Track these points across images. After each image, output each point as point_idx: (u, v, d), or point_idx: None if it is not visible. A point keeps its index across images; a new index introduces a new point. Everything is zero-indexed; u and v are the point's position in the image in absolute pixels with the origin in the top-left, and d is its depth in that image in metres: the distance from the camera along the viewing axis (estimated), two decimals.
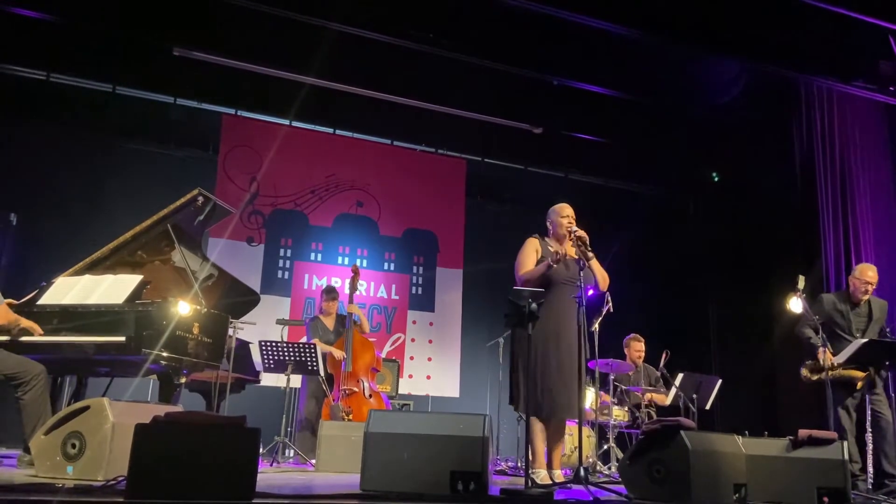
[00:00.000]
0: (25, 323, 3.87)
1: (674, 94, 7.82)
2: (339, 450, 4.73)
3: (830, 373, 4.92)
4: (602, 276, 4.25)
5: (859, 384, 4.91)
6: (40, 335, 3.86)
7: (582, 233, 4.06)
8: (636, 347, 6.69)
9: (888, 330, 5.10)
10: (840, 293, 5.39)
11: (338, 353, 5.81)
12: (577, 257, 4.03)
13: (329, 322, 6.25)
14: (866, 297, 5.18)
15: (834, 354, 4.93)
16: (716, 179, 9.25)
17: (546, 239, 4.32)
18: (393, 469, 3.14)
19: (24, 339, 3.87)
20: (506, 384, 6.41)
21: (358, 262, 6.41)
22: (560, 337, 4.01)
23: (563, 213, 4.29)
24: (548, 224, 4.37)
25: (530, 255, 4.19)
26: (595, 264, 4.18)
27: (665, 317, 8.38)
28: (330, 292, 6.36)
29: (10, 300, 3.97)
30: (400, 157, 9.01)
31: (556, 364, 3.96)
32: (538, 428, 4.00)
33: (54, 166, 7.29)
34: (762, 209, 7.86)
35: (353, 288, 6.06)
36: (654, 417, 5.89)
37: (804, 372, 5.20)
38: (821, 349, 4.94)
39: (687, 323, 8.85)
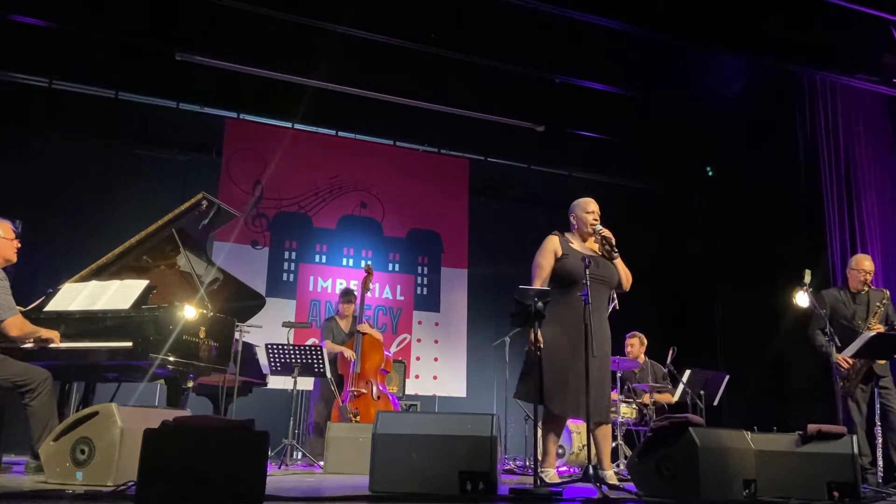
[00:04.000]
0: (46, 333, 3.87)
1: (676, 90, 7.80)
2: (347, 451, 4.74)
3: (858, 370, 4.91)
4: (626, 276, 4.15)
5: (881, 361, 4.90)
6: (66, 344, 3.88)
7: (607, 232, 4.03)
8: (629, 343, 6.65)
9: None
10: (840, 287, 5.42)
11: (348, 353, 5.82)
12: (600, 253, 4.04)
13: (345, 324, 6.27)
14: (866, 287, 5.18)
15: (842, 347, 4.90)
16: (710, 174, 9.24)
17: (567, 235, 4.17)
18: (401, 470, 3.14)
19: (28, 346, 3.88)
20: (513, 384, 6.44)
21: (370, 264, 6.41)
22: (592, 336, 3.94)
23: (589, 209, 4.14)
24: (571, 219, 4.21)
25: (547, 258, 4.04)
26: (619, 263, 4.12)
27: (671, 313, 8.37)
28: (347, 295, 6.38)
29: (17, 307, 3.98)
30: (403, 158, 9.01)
31: (590, 363, 3.89)
32: (552, 428, 3.95)
33: (58, 173, 7.31)
34: (767, 204, 7.85)
35: (366, 288, 6.07)
36: (665, 413, 5.88)
37: (842, 384, 5.12)
38: (833, 357, 4.90)
39: (693, 319, 8.83)
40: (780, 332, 7.09)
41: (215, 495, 2.44)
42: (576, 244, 4.12)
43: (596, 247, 4.12)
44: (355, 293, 6.45)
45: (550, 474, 3.89)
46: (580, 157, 9.09)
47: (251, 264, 7.99)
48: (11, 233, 3.99)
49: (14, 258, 4.02)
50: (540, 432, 3.75)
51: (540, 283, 4.03)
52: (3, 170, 6.90)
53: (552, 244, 4.08)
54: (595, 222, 4.10)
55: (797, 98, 7.20)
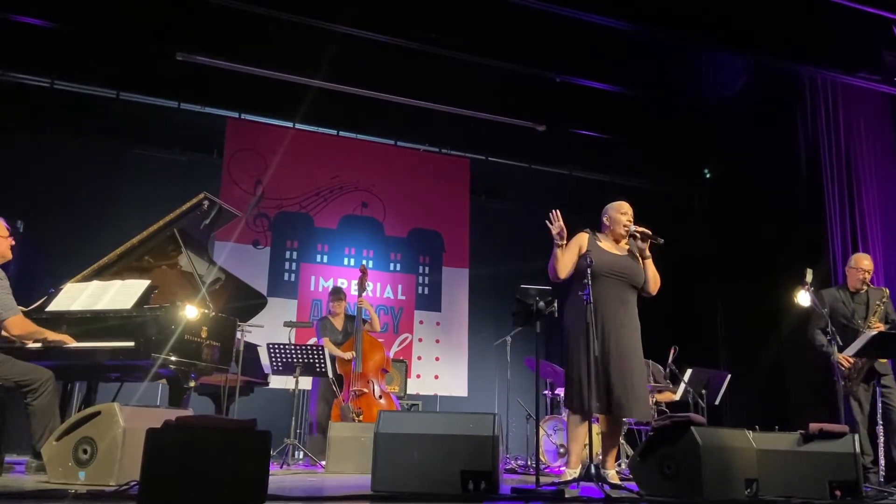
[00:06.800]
0: (53, 336, 3.87)
1: (677, 89, 7.80)
2: (348, 451, 4.74)
3: (860, 370, 4.90)
4: (654, 279, 4.14)
5: (882, 361, 4.90)
6: (74, 344, 3.89)
7: (644, 229, 4.06)
8: None
9: None
10: (839, 286, 5.42)
11: (347, 354, 5.82)
12: (629, 252, 4.09)
13: (338, 322, 6.26)
14: (864, 287, 5.19)
15: (843, 346, 4.90)
16: (707, 176, 9.26)
17: (598, 234, 4.18)
18: (403, 469, 3.15)
19: (32, 346, 3.88)
20: (514, 383, 6.47)
21: (364, 264, 6.42)
22: (610, 332, 3.91)
23: (622, 210, 4.17)
24: (604, 220, 4.23)
25: (570, 249, 4.04)
26: (650, 266, 4.12)
27: (672, 312, 8.36)
28: (336, 293, 6.37)
29: (19, 307, 3.98)
30: (404, 158, 9.01)
31: (618, 359, 3.87)
32: (582, 429, 3.90)
33: (60, 173, 7.32)
34: (768, 203, 7.84)
35: (362, 288, 6.07)
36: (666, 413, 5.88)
37: (843, 383, 5.10)
38: (833, 357, 4.89)
39: (694, 318, 8.83)
40: (782, 332, 7.09)
41: (217, 495, 2.44)
42: (604, 244, 4.12)
43: (627, 248, 4.15)
44: (344, 291, 6.47)
45: (568, 474, 3.86)
46: (581, 157, 9.09)
47: (252, 264, 7.99)
48: (5, 230, 3.99)
49: (9, 255, 4.01)
50: (544, 430, 3.74)
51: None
52: (5, 170, 6.91)
53: (579, 240, 4.09)
54: (629, 223, 4.13)
55: (798, 97, 7.20)
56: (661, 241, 4.08)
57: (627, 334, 3.97)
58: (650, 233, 4.08)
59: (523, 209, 9.21)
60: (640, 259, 4.12)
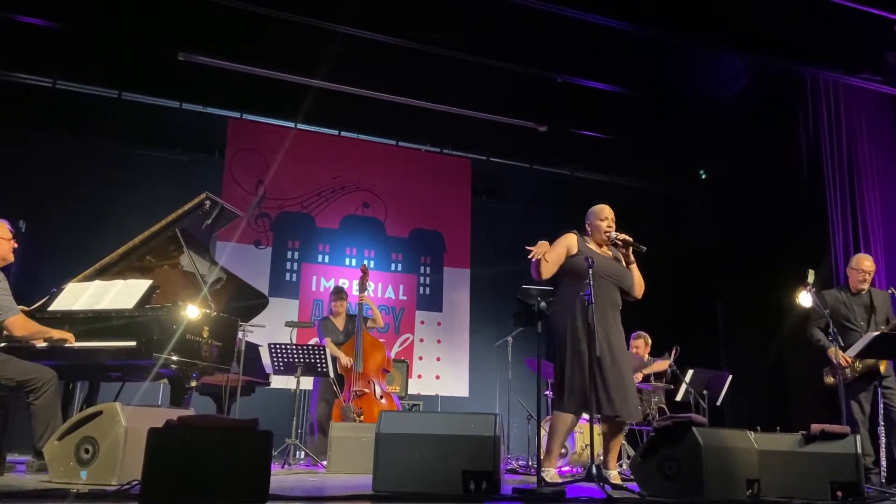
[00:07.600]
0: (57, 334, 3.87)
1: (678, 89, 7.79)
2: (350, 451, 4.74)
3: (855, 369, 4.90)
4: (639, 283, 4.16)
5: (882, 366, 4.88)
6: (76, 343, 3.89)
7: (625, 236, 4.04)
8: (634, 345, 6.61)
9: None
10: (840, 287, 5.41)
11: (344, 360, 5.81)
12: (614, 257, 4.11)
13: (339, 322, 6.26)
14: (865, 287, 5.18)
15: (845, 347, 4.90)
16: (703, 176, 9.27)
17: (585, 237, 4.18)
18: (405, 470, 3.15)
19: (41, 345, 3.88)
20: (515, 383, 6.47)
21: (365, 263, 6.42)
22: (603, 332, 3.91)
23: (602, 216, 4.15)
24: (587, 226, 4.23)
25: (555, 249, 4.02)
26: (635, 270, 4.14)
27: (673, 313, 8.36)
28: (338, 293, 6.38)
29: (21, 307, 3.99)
30: (405, 158, 9.01)
31: (611, 360, 3.88)
32: (564, 427, 3.93)
33: (62, 173, 7.33)
34: (769, 203, 7.84)
35: (363, 288, 6.07)
36: (666, 413, 5.88)
37: (827, 380, 5.11)
38: (831, 349, 4.90)
39: (696, 319, 8.82)
40: (783, 332, 7.09)
41: (219, 495, 2.44)
42: (592, 246, 4.13)
43: (611, 253, 4.16)
44: (346, 290, 6.47)
45: (551, 474, 3.88)
46: (582, 157, 9.08)
47: (254, 264, 8.00)
48: (8, 232, 3.99)
49: (11, 257, 4.02)
50: (545, 430, 3.75)
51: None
52: (7, 170, 6.92)
53: (567, 240, 4.08)
54: (609, 229, 4.11)
55: (799, 97, 7.19)
56: (644, 248, 4.07)
57: (618, 335, 3.99)
58: (631, 240, 4.07)
59: (524, 209, 9.22)
60: (627, 265, 4.13)
